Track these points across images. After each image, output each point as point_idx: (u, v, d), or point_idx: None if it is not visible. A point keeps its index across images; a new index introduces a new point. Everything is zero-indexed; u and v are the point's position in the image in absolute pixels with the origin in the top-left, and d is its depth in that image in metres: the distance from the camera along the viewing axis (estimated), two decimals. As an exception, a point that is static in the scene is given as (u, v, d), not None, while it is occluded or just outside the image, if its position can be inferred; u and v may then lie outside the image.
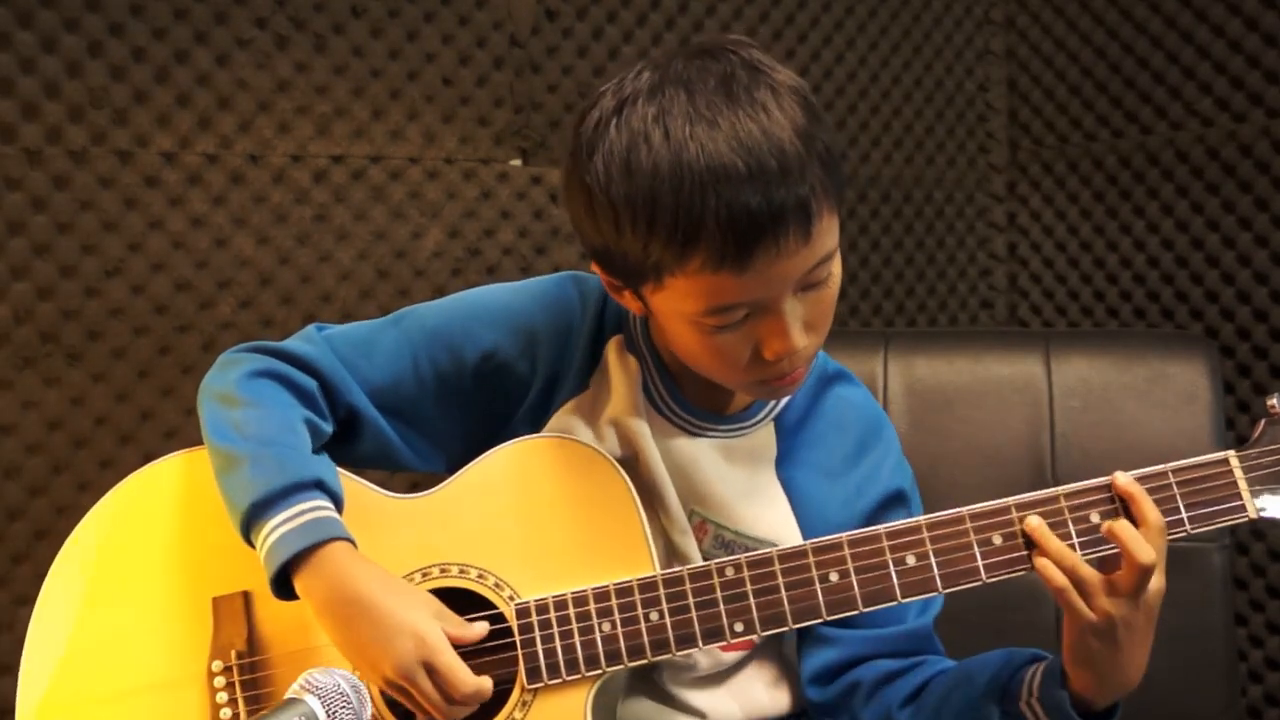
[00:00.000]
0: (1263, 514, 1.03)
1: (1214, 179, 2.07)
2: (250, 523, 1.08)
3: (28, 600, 1.59)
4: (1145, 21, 2.15)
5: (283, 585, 1.07)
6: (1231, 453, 1.04)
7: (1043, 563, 1.02)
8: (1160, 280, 2.17)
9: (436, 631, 1.04)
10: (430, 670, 1.03)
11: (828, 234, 1.02)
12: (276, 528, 1.06)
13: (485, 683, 1.05)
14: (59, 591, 1.18)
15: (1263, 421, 1.06)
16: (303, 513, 1.07)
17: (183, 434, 1.67)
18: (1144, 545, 0.99)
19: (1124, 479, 1.03)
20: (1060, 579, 1.01)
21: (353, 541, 1.08)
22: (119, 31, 1.60)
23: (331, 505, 1.10)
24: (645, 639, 1.07)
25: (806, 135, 0.98)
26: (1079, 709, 1.04)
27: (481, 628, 1.08)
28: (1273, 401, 1.05)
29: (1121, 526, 1.00)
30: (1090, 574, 1.00)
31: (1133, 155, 2.19)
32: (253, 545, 1.09)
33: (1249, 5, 2.00)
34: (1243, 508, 1.03)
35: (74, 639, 1.16)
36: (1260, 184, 2.01)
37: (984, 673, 1.11)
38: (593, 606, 1.08)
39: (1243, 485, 1.03)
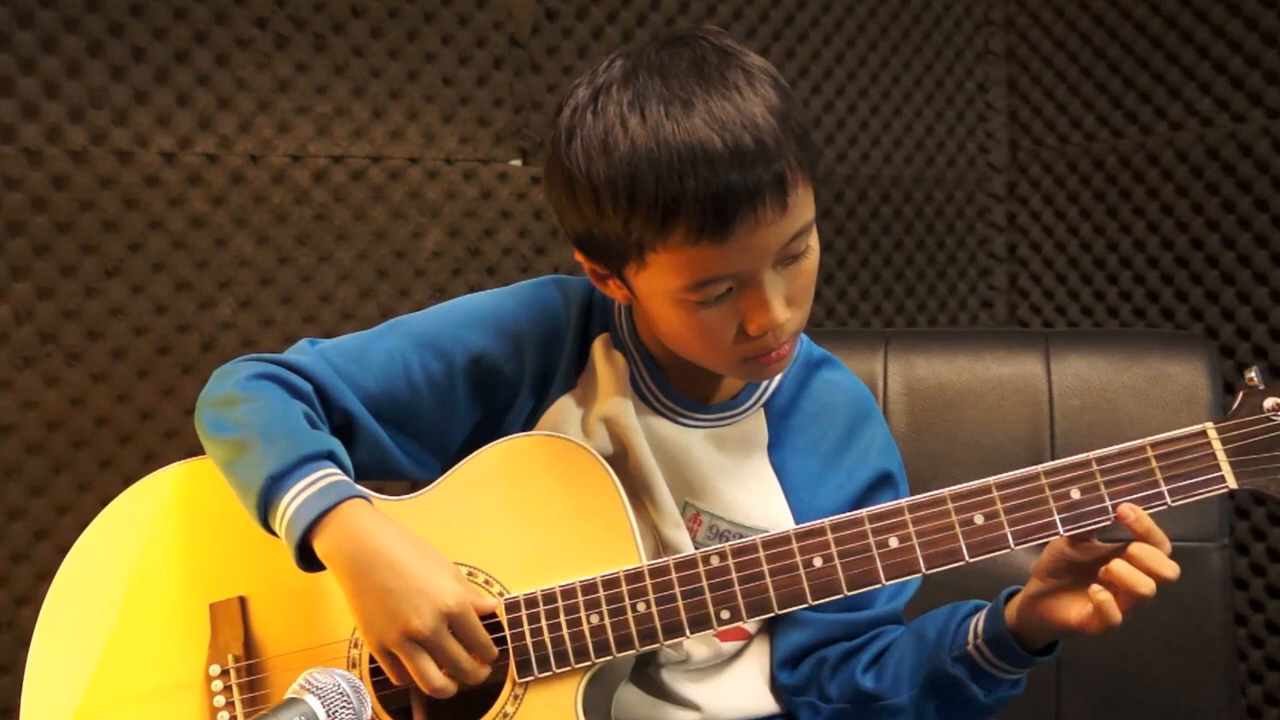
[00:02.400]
0: (1243, 485, 1.04)
1: (1214, 179, 2.07)
2: (267, 500, 1.08)
3: (28, 600, 1.59)
4: (1145, 21, 2.15)
5: (306, 557, 1.08)
6: (1209, 424, 1.05)
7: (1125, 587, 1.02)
8: (1160, 280, 2.16)
9: (461, 591, 1.06)
10: (454, 629, 1.04)
11: (804, 205, 1.05)
12: (293, 500, 1.06)
13: (495, 650, 1.07)
14: (62, 600, 1.19)
15: (1241, 393, 1.06)
16: (316, 480, 1.07)
17: (183, 434, 1.67)
18: (1145, 580, 1.01)
19: (1130, 512, 1.03)
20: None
21: (369, 499, 1.09)
22: (119, 31, 1.60)
23: (343, 473, 1.10)
24: (633, 629, 1.08)
25: (780, 113, 1.02)
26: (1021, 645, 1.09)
27: (494, 601, 1.09)
28: (1251, 374, 1.06)
29: (1123, 570, 1.01)
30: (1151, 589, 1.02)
31: (1133, 155, 2.19)
32: (269, 528, 1.09)
33: (1249, 5, 2.00)
34: (1222, 479, 1.03)
35: (76, 647, 1.17)
36: (1260, 184, 2.01)
37: (933, 627, 1.15)
38: (580, 599, 1.09)
39: (1221, 456, 1.03)
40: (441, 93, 1.85)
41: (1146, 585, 1.00)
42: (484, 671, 1.07)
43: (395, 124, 1.82)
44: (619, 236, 1.04)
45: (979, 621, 1.11)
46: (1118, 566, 1.01)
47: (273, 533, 1.10)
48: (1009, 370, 1.66)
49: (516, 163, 1.92)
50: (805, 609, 1.18)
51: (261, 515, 1.09)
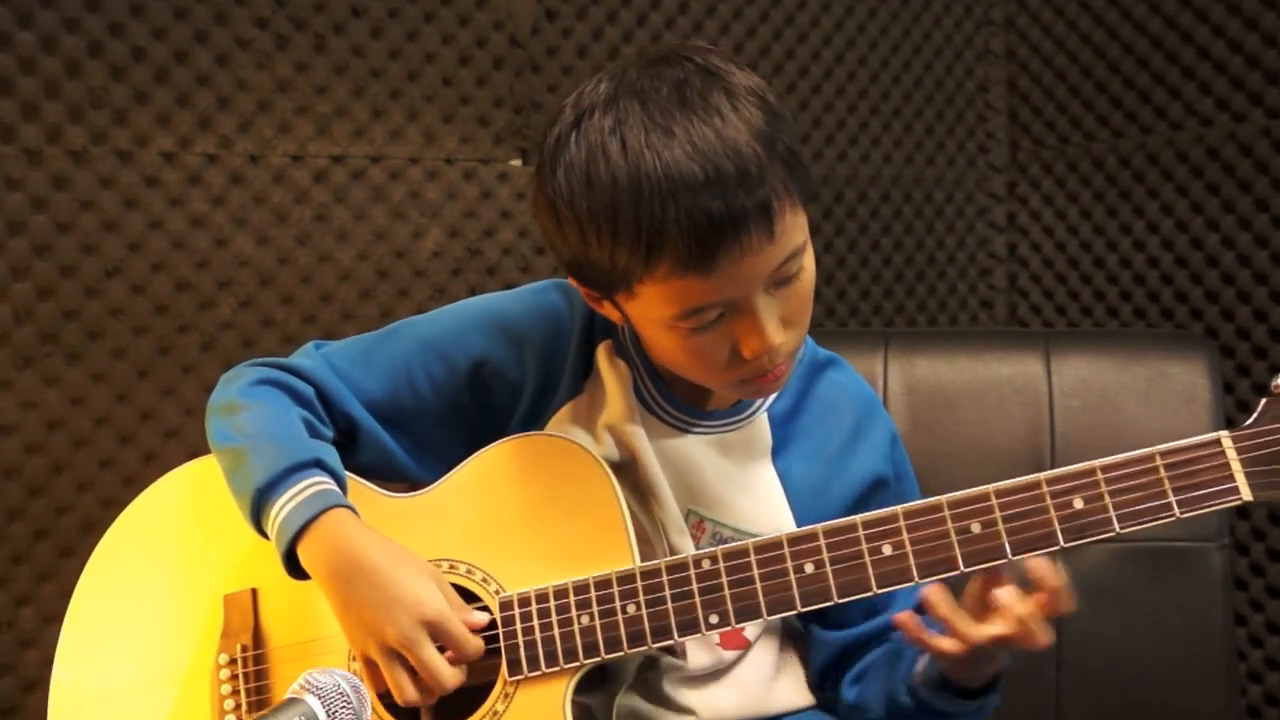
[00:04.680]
0: (1259, 498, 0.97)
1: (1214, 179, 2.07)
2: (259, 511, 1.10)
3: (28, 600, 1.59)
4: (1145, 21, 2.15)
5: (294, 563, 1.09)
6: (1224, 433, 0.99)
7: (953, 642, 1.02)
8: (1160, 280, 2.16)
9: (439, 598, 1.05)
10: (433, 636, 1.04)
11: (793, 230, 1.02)
12: (282, 509, 1.08)
13: (479, 642, 1.06)
14: (90, 594, 1.23)
15: (1264, 400, 0.99)
16: (304, 489, 1.09)
17: (183, 434, 1.67)
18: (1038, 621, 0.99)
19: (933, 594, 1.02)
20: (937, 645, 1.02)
21: (354, 510, 1.10)
22: (119, 31, 1.60)
23: (332, 481, 1.11)
24: (622, 631, 1.07)
25: (764, 137, 0.99)
26: (958, 691, 1.08)
27: (481, 616, 1.08)
28: (1278, 381, 0.98)
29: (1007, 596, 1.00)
30: (963, 650, 1.01)
31: (1133, 155, 2.18)
32: (265, 535, 1.11)
33: (1249, 5, 2.00)
34: (1236, 490, 0.97)
35: (104, 636, 1.21)
36: (1260, 184, 2.01)
37: (906, 649, 1.14)
38: (572, 599, 1.08)
39: (1236, 466, 0.98)
40: (441, 93, 1.85)
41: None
42: (460, 678, 1.06)
43: (395, 124, 1.82)
44: (606, 268, 1.03)
45: (924, 659, 1.10)
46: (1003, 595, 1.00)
47: (268, 538, 1.12)
48: (1009, 370, 1.66)
49: (516, 163, 1.92)
50: (824, 629, 1.21)
51: (255, 525, 1.12)
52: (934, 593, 1.02)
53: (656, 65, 1.03)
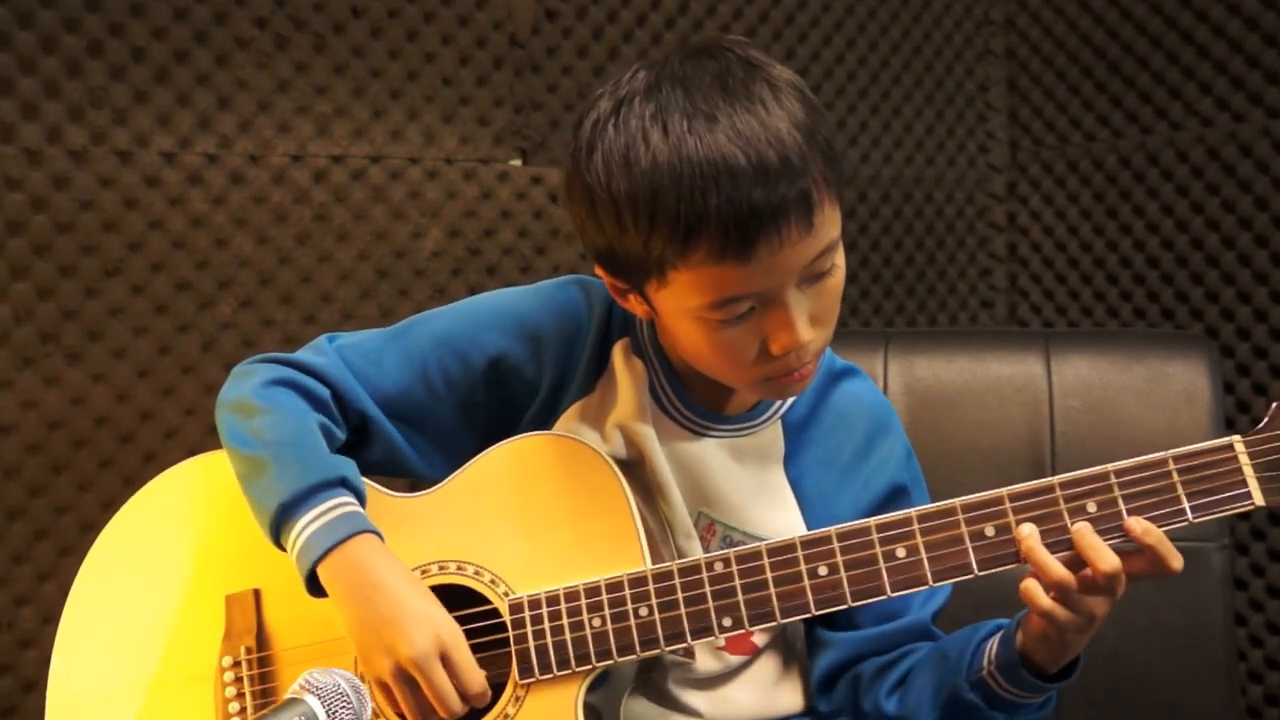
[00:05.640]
0: (1271, 503, 0.98)
1: (1214, 179, 2.07)
2: (280, 525, 1.10)
3: (28, 600, 1.59)
4: (1145, 21, 2.15)
5: (316, 583, 1.09)
6: (1236, 438, 1.00)
7: (1029, 585, 1.01)
8: (1160, 280, 2.17)
9: (456, 629, 1.06)
10: (446, 663, 1.05)
11: (830, 223, 1.02)
12: (305, 527, 1.08)
13: (486, 687, 1.07)
14: (88, 591, 1.22)
15: (1275, 404, 1.00)
16: (329, 510, 1.09)
17: (182, 434, 1.67)
18: (1106, 554, 0.98)
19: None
20: (1045, 603, 1.00)
21: (380, 535, 1.10)
22: (119, 31, 1.60)
23: (356, 501, 1.11)
24: (634, 635, 1.07)
25: (806, 129, 0.99)
26: (1036, 673, 1.06)
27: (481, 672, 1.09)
28: None
29: (1081, 534, 0.99)
30: (1072, 580, 0.99)
31: (1133, 155, 2.18)
32: (282, 547, 1.11)
33: (1249, 5, 2.00)
34: (1248, 495, 0.98)
35: (102, 636, 1.20)
36: (1260, 184, 2.01)
37: (954, 647, 1.13)
38: (584, 602, 1.08)
39: (1249, 471, 0.98)
40: (441, 93, 1.85)
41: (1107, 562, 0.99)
42: (466, 706, 1.07)
43: (395, 124, 1.82)
44: (639, 254, 1.02)
45: (993, 646, 1.09)
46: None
47: (285, 551, 1.12)
48: (1009, 370, 1.66)
49: (516, 163, 1.92)
50: (829, 630, 1.20)
51: (274, 539, 1.11)
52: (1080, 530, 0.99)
53: (697, 56, 1.03)
